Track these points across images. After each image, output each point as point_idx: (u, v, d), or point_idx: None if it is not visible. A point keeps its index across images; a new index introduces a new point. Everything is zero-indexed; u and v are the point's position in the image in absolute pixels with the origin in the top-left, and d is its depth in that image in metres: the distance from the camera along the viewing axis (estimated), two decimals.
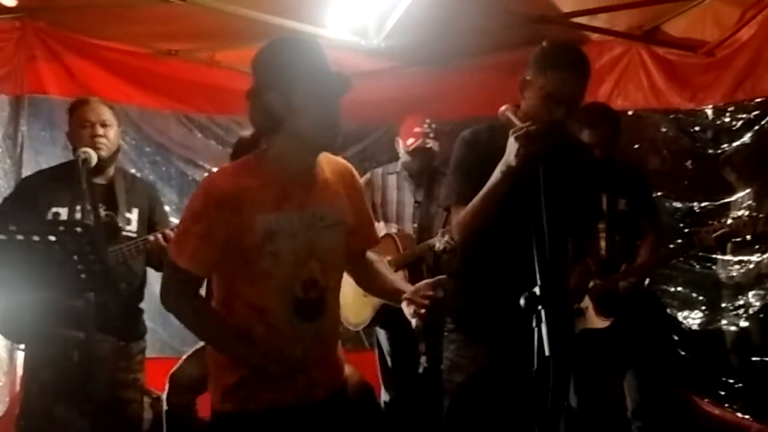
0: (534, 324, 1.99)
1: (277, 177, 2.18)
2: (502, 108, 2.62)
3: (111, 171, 3.55)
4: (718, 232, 3.62)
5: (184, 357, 4.17)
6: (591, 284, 3.63)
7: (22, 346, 3.52)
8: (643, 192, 3.87)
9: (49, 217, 3.34)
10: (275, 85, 2.14)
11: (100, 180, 3.46)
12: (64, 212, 3.36)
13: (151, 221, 3.59)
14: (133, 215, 3.52)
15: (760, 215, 4.22)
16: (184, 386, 4.01)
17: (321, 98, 2.14)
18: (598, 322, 3.64)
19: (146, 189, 3.74)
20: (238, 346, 2.22)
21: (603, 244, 3.70)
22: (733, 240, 4.53)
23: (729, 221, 3.73)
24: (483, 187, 2.60)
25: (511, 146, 2.45)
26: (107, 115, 3.51)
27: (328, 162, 2.33)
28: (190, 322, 2.28)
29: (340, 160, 2.42)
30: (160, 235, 3.36)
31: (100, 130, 3.44)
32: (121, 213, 3.46)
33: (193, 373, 4.06)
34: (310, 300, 2.23)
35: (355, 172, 2.45)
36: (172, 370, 4.08)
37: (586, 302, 3.66)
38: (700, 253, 4.64)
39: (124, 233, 3.44)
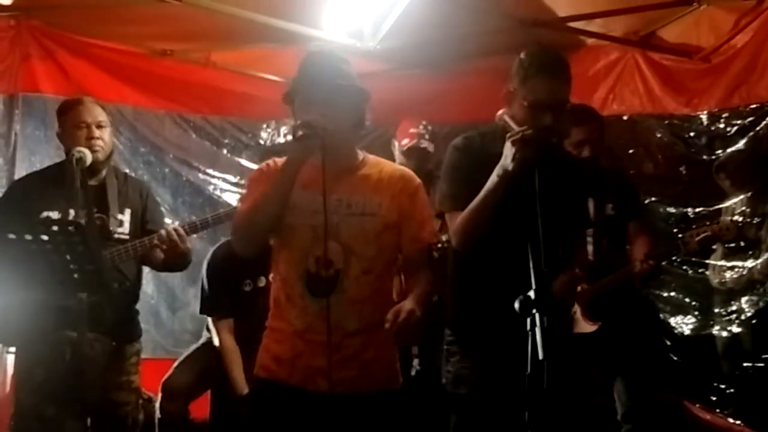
0: (528, 328, 1.99)
1: (312, 164, 2.34)
2: (500, 112, 2.63)
3: (103, 172, 3.51)
4: (701, 236, 3.62)
5: (176, 364, 4.16)
6: (579, 289, 3.65)
7: (12, 348, 3.49)
8: (629, 196, 3.87)
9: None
10: (289, 99, 2.46)
11: (92, 181, 3.41)
12: (55, 216, 3.31)
13: (143, 220, 3.55)
14: (126, 216, 3.48)
15: (748, 220, 4.24)
16: (176, 394, 4.00)
17: (305, 110, 2.37)
18: (586, 327, 3.64)
19: (139, 188, 3.67)
20: (273, 181, 2.36)
21: (591, 248, 3.70)
22: (725, 245, 4.57)
23: (711, 225, 3.72)
24: (477, 193, 2.60)
25: (508, 150, 2.45)
26: (103, 116, 3.46)
27: (382, 165, 2.54)
28: (249, 217, 2.39)
29: (398, 166, 2.64)
30: (146, 241, 3.34)
31: (96, 132, 3.39)
32: (112, 215, 3.41)
33: (185, 381, 4.06)
34: (321, 277, 2.35)
35: (412, 178, 2.54)
36: (164, 378, 4.06)
37: (574, 307, 3.66)
38: (693, 259, 4.66)
39: (116, 236, 3.40)
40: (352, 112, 2.45)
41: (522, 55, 2.68)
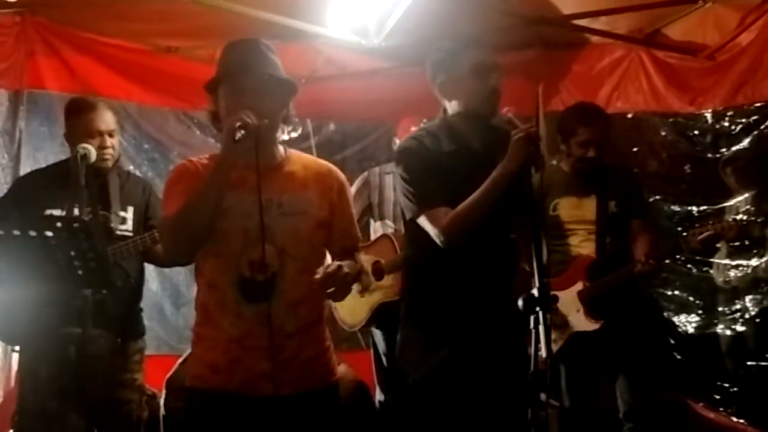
0: (532, 326, 2.00)
1: (235, 159, 2.26)
2: (504, 110, 2.64)
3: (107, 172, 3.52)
4: (703, 235, 3.62)
5: (180, 361, 4.17)
6: (582, 287, 3.65)
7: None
8: (633, 194, 3.87)
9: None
10: (211, 87, 2.37)
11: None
12: (58, 213, 3.32)
13: (145, 216, 3.56)
14: (128, 213, 3.50)
15: (753, 219, 4.23)
16: (181, 390, 4.00)
17: (233, 101, 2.28)
18: (588, 325, 3.64)
19: (141, 184, 3.70)
20: (205, 182, 2.25)
21: (593, 246, 3.71)
22: (730, 244, 4.56)
23: (713, 224, 3.73)
24: (438, 188, 2.68)
25: (512, 148, 2.47)
26: (113, 123, 3.47)
27: (305, 160, 2.49)
28: (181, 223, 2.25)
29: (322, 161, 2.55)
30: (148, 236, 3.35)
31: (108, 141, 3.41)
32: (114, 213, 3.43)
33: None
34: (257, 281, 2.28)
35: (338, 174, 2.51)
36: (168, 375, 4.07)
37: (578, 305, 3.66)
38: (697, 257, 4.65)
39: (118, 232, 3.42)
40: (281, 104, 2.38)
41: (437, 51, 2.85)
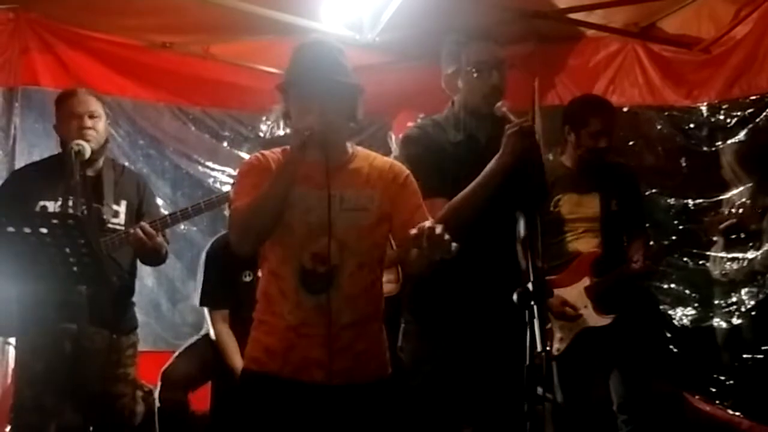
0: (527, 319, 2.00)
1: (302, 160, 2.34)
2: (498, 104, 2.64)
3: (100, 162, 3.52)
4: (725, 224, 3.62)
5: (176, 354, 4.17)
6: (589, 282, 3.65)
7: (13, 340, 3.50)
8: (633, 195, 3.87)
9: (37, 210, 3.31)
10: (283, 88, 2.46)
11: (89, 172, 3.43)
12: (51, 205, 3.34)
13: (139, 212, 3.56)
14: (121, 207, 3.50)
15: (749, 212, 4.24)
16: (176, 383, 4.01)
17: (302, 104, 2.37)
18: (599, 320, 3.64)
19: (136, 180, 3.70)
20: (271, 181, 2.32)
21: (597, 241, 3.71)
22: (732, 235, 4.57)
23: (729, 211, 3.73)
24: (440, 179, 2.67)
25: (506, 142, 2.46)
26: (95, 106, 3.47)
27: (372, 158, 2.54)
28: (249, 218, 2.33)
29: (386, 158, 2.61)
30: (139, 229, 3.32)
31: (89, 122, 3.40)
32: (107, 205, 3.43)
33: (184, 370, 4.07)
34: (317, 273, 2.36)
35: (398, 166, 2.56)
36: (163, 368, 4.07)
37: (586, 300, 3.67)
38: (694, 250, 4.66)
39: (109, 225, 3.42)
40: (348, 107, 2.46)
41: (448, 43, 2.87)
